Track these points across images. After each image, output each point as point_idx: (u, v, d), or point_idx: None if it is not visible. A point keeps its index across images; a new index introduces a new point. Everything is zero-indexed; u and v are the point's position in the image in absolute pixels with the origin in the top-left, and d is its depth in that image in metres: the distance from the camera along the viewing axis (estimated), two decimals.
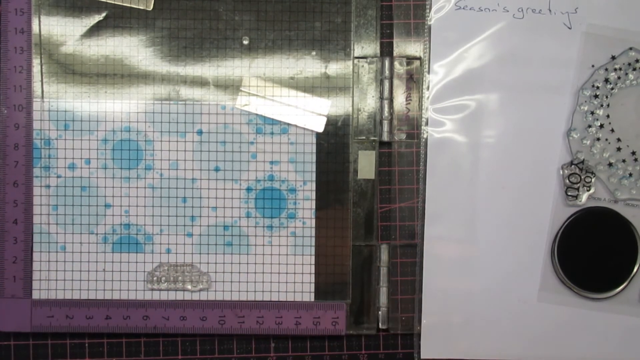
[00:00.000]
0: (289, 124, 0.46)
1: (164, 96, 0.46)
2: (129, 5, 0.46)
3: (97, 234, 0.46)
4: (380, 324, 0.47)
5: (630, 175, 0.46)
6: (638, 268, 0.47)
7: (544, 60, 0.46)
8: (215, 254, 0.46)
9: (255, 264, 0.46)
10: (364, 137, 0.47)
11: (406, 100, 0.47)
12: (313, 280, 0.47)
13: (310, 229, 0.46)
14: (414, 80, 0.47)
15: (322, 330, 0.46)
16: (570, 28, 0.46)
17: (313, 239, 0.47)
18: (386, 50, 0.47)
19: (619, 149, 0.46)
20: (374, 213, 0.47)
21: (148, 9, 0.46)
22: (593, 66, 0.46)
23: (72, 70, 0.46)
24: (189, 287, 0.46)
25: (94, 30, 0.46)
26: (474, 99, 0.46)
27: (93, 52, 0.46)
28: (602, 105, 0.46)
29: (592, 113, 0.46)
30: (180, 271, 0.46)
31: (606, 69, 0.46)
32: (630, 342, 0.47)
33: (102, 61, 0.46)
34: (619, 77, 0.46)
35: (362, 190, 0.47)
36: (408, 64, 0.47)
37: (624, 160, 0.46)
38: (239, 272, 0.46)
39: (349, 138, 0.46)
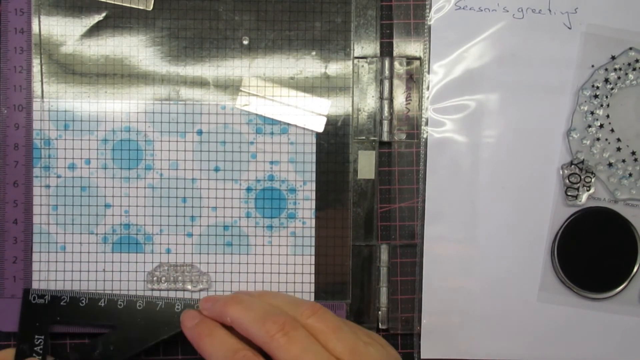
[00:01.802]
0: (289, 124, 0.46)
1: (164, 96, 0.46)
2: (129, 5, 0.46)
3: (97, 234, 0.46)
4: (380, 324, 0.47)
5: (630, 175, 0.46)
6: (638, 268, 0.47)
7: (544, 60, 0.46)
8: (215, 254, 0.46)
9: (255, 264, 0.46)
10: (364, 137, 0.47)
11: (406, 100, 0.47)
12: (313, 280, 0.47)
13: (310, 229, 0.46)
14: (414, 80, 0.47)
15: None
16: (570, 28, 0.46)
17: (313, 239, 0.47)
18: (386, 50, 0.47)
19: (619, 149, 0.46)
20: (374, 213, 0.47)
21: (148, 9, 0.46)
22: (593, 66, 0.46)
23: (72, 70, 0.46)
24: (189, 287, 0.46)
25: (94, 30, 0.46)
26: (474, 99, 0.46)
27: (93, 52, 0.46)
28: (602, 105, 0.46)
29: (592, 113, 0.46)
30: (180, 271, 0.46)
31: (606, 69, 0.46)
32: (630, 342, 0.47)
33: (102, 61, 0.46)
34: (619, 77, 0.46)
35: (362, 190, 0.47)
36: (408, 64, 0.47)
37: (624, 160, 0.46)
38: (239, 272, 0.46)
39: (349, 138, 0.46)
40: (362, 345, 0.39)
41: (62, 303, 0.45)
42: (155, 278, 0.46)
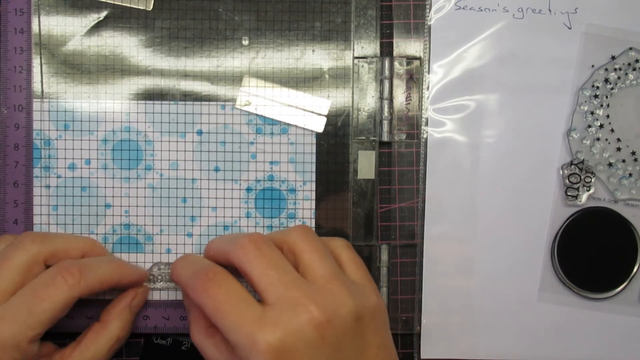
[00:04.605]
0: (289, 124, 0.46)
1: (164, 96, 0.46)
2: (129, 5, 0.46)
3: (97, 234, 0.46)
4: None
5: (630, 175, 0.46)
6: (638, 268, 0.47)
7: (544, 60, 0.46)
8: None
9: None
10: (364, 137, 0.47)
11: (406, 100, 0.47)
12: None
13: None
14: (414, 80, 0.47)
15: None
16: (570, 28, 0.46)
17: None
18: (386, 50, 0.47)
19: (618, 149, 0.46)
20: (374, 213, 0.47)
21: (148, 9, 0.46)
22: (593, 66, 0.46)
23: (72, 70, 0.46)
24: None
25: (94, 30, 0.46)
26: (474, 99, 0.46)
27: (93, 52, 0.46)
28: (602, 105, 0.46)
29: (592, 113, 0.46)
30: None
31: (606, 69, 0.46)
32: (630, 342, 0.47)
33: (102, 61, 0.46)
34: (619, 77, 0.46)
35: (362, 190, 0.47)
36: (408, 64, 0.47)
37: (623, 160, 0.46)
38: None
39: (349, 138, 0.46)
40: (341, 277, 0.39)
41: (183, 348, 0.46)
42: (152, 277, 0.46)
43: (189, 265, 0.41)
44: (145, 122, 0.46)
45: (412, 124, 0.47)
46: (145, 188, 0.46)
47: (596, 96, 0.46)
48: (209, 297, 0.37)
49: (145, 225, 0.46)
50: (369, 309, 0.38)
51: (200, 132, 0.46)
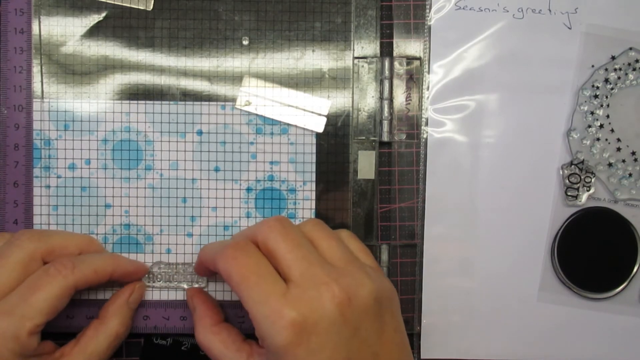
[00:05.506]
0: (289, 124, 0.46)
1: (164, 96, 0.46)
2: (129, 5, 0.46)
3: (97, 234, 0.46)
4: None
5: (630, 175, 0.46)
6: (638, 268, 0.47)
7: (544, 60, 0.46)
8: None
9: None
10: (364, 137, 0.47)
11: (406, 100, 0.47)
12: None
13: None
14: (413, 80, 0.47)
15: None
16: (570, 28, 0.46)
17: None
18: (386, 50, 0.47)
19: (618, 149, 0.46)
20: (374, 213, 0.47)
21: (148, 9, 0.46)
22: (593, 66, 0.46)
23: (72, 70, 0.46)
24: (185, 285, 0.46)
25: (94, 30, 0.46)
26: (474, 99, 0.46)
27: (93, 52, 0.46)
28: (602, 105, 0.46)
29: (592, 113, 0.46)
30: (175, 270, 0.46)
31: (606, 69, 0.46)
32: (630, 342, 0.47)
33: (102, 61, 0.46)
34: (618, 77, 0.46)
35: (362, 190, 0.47)
36: (408, 64, 0.47)
37: (623, 160, 0.46)
38: None
39: (349, 138, 0.46)
40: (358, 262, 0.40)
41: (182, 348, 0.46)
42: (152, 277, 0.46)
43: (219, 243, 0.42)
44: (145, 122, 0.46)
45: (412, 124, 0.47)
46: (145, 188, 0.46)
47: (596, 96, 0.46)
48: (238, 265, 0.37)
49: (145, 225, 0.46)
50: (386, 292, 0.39)
51: (200, 132, 0.46)
